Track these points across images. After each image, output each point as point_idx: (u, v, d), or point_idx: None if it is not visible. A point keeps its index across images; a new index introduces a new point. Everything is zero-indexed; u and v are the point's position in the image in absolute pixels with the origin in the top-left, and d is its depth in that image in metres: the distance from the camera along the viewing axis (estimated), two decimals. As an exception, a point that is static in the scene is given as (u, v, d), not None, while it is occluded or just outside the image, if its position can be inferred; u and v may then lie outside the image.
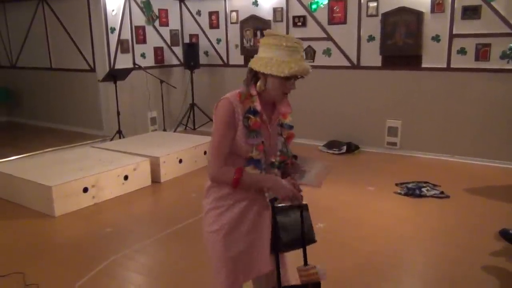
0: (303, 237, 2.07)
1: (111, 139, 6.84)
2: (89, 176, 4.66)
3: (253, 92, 1.94)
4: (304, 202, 2.08)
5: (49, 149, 6.49)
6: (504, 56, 5.47)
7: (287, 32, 7.00)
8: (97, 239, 3.91)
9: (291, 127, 2.09)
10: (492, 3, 5.41)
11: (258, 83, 1.92)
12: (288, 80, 1.87)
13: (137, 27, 7.45)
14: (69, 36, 7.72)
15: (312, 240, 2.12)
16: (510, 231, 3.37)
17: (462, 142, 5.92)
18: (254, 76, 1.95)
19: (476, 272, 3.20)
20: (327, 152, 6.53)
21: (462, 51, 5.72)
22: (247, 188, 1.94)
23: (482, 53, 5.59)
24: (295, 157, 2.12)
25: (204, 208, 2.15)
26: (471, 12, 5.58)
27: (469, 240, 3.70)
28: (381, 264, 3.37)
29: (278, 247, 1.99)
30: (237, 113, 1.91)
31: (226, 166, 1.95)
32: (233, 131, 1.91)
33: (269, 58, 1.87)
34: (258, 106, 1.92)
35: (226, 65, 7.92)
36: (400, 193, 4.79)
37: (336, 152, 6.44)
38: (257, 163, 1.94)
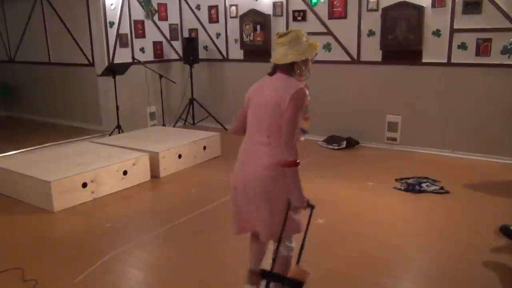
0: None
1: (110, 134, 6.82)
2: (88, 171, 4.65)
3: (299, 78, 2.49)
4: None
5: (48, 144, 6.48)
6: (505, 51, 5.44)
7: (287, 27, 6.97)
8: (96, 234, 3.90)
9: None
10: (493, -3, 5.39)
11: (303, 70, 2.50)
12: (310, 60, 2.50)
13: (136, 21, 7.41)
14: (68, 30, 7.68)
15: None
16: (511, 227, 3.36)
17: (462, 138, 5.91)
18: (283, 69, 2.47)
19: (476, 268, 3.20)
20: (327, 147, 6.51)
21: (463, 46, 5.69)
22: (293, 175, 2.45)
23: (482, 48, 5.57)
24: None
25: (277, 176, 2.46)
26: (472, 7, 5.54)
27: (469, 236, 3.69)
28: (381, 260, 3.37)
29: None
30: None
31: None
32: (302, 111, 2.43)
33: (300, 49, 2.45)
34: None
35: (226, 59, 7.89)
36: (400, 189, 4.78)
37: (336, 147, 6.43)
38: (305, 131, 2.65)
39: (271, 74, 2.52)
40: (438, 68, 5.90)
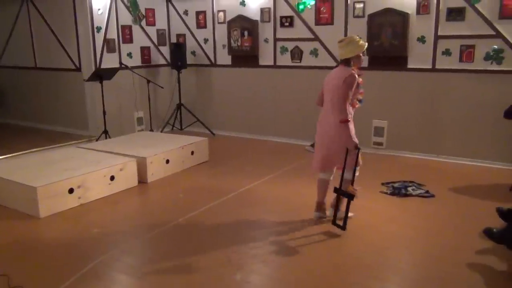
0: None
1: (97, 139, 6.79)
2: (75, 177, 4.62)
3: (354, 68, 3.84)
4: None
5: (34, 150, 6.42)
6: (488, 57, 5.56)
7: (275, 32, 7.04)
8: (83, 240, 3.87)
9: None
10: (476, 5, 5.50)
11: (356, 62, 3.85)
12: (362, 55, 3.83)
13: (123, 27, 7.41)
14: (54, 35, 7.64)
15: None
16: (494, 230, 3.42)
17: (447, 142, 6.00)
18: (343, 62, 3.87)
19: (461, 270, 3.25)
20: (313, 152, 6.53)
21: (447, 52, 5.80)
22: (345, 127, 3.83)
23: (466, 54, 5.68)
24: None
25: (338, 128, 3.89)
26: (455, 14, 5.65)
27: (454, 238, 3.75)
28: (367, 263, 3.40)
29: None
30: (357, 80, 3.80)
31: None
32: (352, 89, 3.79)
33: (349, 49, 3.79)
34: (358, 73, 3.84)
35: (214, 65, 7.91)
36: (386, 193, 4.84)
37: (323, 152, 6.47)
38: (362, 100, 4.02)
39: (336, 66, 3.99)
40: (423, 73, 6.00)
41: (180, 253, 3.60)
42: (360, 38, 3.84)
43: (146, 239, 3.90)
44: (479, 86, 5.67)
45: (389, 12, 6.01)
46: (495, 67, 5.54)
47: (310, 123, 6.94)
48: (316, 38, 6.72)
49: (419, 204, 4.55)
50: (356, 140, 3.83)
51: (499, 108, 4.99)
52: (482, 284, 3.07)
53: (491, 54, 5.52)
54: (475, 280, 3.11)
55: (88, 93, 7.22)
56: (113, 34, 7.26)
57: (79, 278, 3.21)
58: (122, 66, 7.19)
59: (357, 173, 3.99)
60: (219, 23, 7.64)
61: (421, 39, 5.93)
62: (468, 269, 3.26)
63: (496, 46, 5.48)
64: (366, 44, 3.84)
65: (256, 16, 7.18)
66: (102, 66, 7.07)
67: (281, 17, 6.95)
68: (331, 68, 6.72)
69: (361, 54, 3.81)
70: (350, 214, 3.97)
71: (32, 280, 3.20)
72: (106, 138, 6.65)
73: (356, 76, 3.75)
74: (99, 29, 7.04)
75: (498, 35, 5.44)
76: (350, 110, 3.87)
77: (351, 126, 3.85)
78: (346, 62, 3.82)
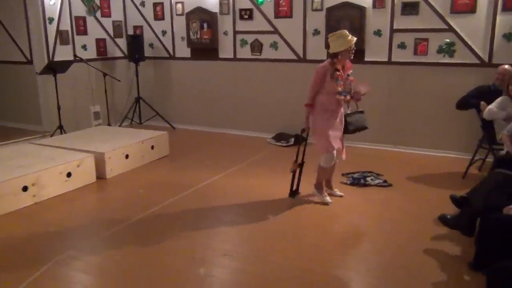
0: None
1: (52, 135, 6.54)
2: (29, 174, 4.43)
3: (335, 61, 4.05)
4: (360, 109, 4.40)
5: (-17, 147, 6.11)
6: (440, 50, 5.75)
7: (234, 25, 7.00)
8: (39, 239, 3.73)
9: (349, 75, 4.17)
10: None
11: (344, 55, 4.04)
12: (350, 49, 4.01)
13: (77, 18, 7.14)
14: (3, 26, 7.27)
15: (366, 127, 4.49)
16: (448, 216, 3.56)
17: (403, 133, 6.19)
18: (330, 56, 4.08)
19: (419, 256, 3.37)
20: (275, 144, 6.60)
21: (402, 46, 5.96)
22: (306, 111, 4.31)
23: (420, 47, 5.85)
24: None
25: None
26: (410, 8, 5.81)
27: (412, 226, 3.89)
28: (328, 252, 3.47)
29: (346, 131, 4.38)
30: (328, 72, 4.06)
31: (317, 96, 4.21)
32: (320, 80, 4.10)
33: (338, 43, 4.00)
34: (339, 67, 4.07)
35: (173, 57, 7.78)
36: (346, 183, 4.94)
37: (284, 144, 6.52)
38: (342, 92, 4.09)
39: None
40: (379, 66, 6.14)
41: (142, 249, 3.54)
42: (349, 34, 4.03)
43: (105, 236, 3.80)
44: (432, 78, 5.87)
45: (346, 5, 6.10)
46: (447, 59, 5.75)
47: (270, 115, 6.98)
48: (275, 31, 6.74)
49: (377, 194, 4.67)
50: (310, 125, 4.29)
51: (452, 99, 5.19)
52: (438, 269, 3.19)
53: (444, 47, 5.72)
54: (432, 265, 3.24)
55: (41, 86, 6.93)
56: (66, 26, 6.98)
57: (35, 279, 3.10)
58: (77, 58, 6.95)
59: (321, 162, 4.34)
60: (177, 15, 7.51)
61: (378, 33, 6.06)
62: (425, 254, 3.38)
63: (448, 40, 5.68)
64: (355, 39, 4.01)
65: (215, 8, 7.11)
66: (56, 59, 6.80)
67: (241, 10, 6.91)
68: (291, 61, 6.82)
69: (349, 48, 4.01)
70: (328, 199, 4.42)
71: (-16, 283, 3.06)
72: (61, 133, 6.42)
73: (330, 68, 4.04)
74: (51, 20, 6.75)
75: (450, 29, 5.64)
76: (324, 101, 4.15)
77: (320, 115, 4.18)
78: (333, 55, 4.05)
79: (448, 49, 5.70)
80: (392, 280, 3.09)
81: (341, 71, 4.08)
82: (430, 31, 5.76)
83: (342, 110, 4.26)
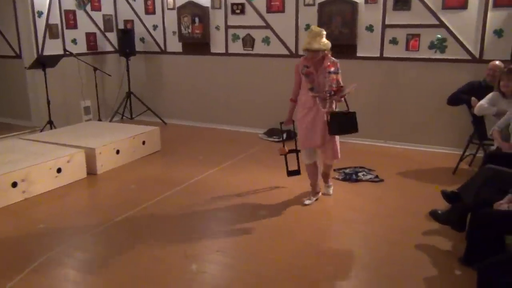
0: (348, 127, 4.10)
1: (41, 130, 6.47)
2: (18, 170, 4.38)
3: (305, 57, 4.04)
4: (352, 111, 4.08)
5: (-29, 142, 6.02)
6: (432, 46, 5.77)
7: (226, 20, 6.96)
8: (29, 236, 3.69)
9: (331, 72, 3.99)
10: (421, -5, 5.68)
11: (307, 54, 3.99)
12: (307, 51, 3.96)
13: (67, 11, 7.05)
14: (-9, 19, 7.17)
15: (351, 131, 4.08)
16: (439, 211, 3.58)
17: (395, 129, 6.21)
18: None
19: (410, 251, 3.38)
20: (267, 140, 6.59)
21: (394, 41, 5.96)
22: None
23: (412, 43, 5.86)
24: (341, 87, 4.04)
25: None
26: (401, 3, 5.81)
27: (403, 221, 3.90)
28: (321, 247, 3.47)
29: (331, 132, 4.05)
30: (300, 68, 4.06)
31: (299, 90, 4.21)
32: (298, 76, 4.12)
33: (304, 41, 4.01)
34: (308, 63, 4.01)
35: (164, 52, 7.72)
36: (338, 178, 4.95)
37: (276, 139, 6.51)
38: (313, 89, 4.01)
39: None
40: (371, 61, 6.14)
41: (134, 246, 3.51)
42: (316, 36, 3.93)
43: (96, 233, 3.77)
44: (424, 74, 5.89)
45: (338, 0, 6.08)
46: (439, 55, 5.77)
47: (262, 111, 6.96)
48: (267, 26, 6.71)
49: (369, 189, 4.68)
50: (289, 118, 4.34)
51: (443, 95, 5.20)
52: (429, 264, 3.21)
53: (435, 43, 5.74)
54: (423, 260, 3.25)
55: (30, 81, 6.84)
56: (55, 19, 6.90)
57: (25, 276, 3.07)
58: (67, 53, 6.87)
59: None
60: (168, 9, 7.45)
61: (369, 28, 6.05)
62: (416, 250, 3.40)
63: (439, 35, 5.70)
64: (315, 47, 3.88)
65: (207, 3, 7.05)
66: (45, 53, 6.72)
67: (232, 4, 6.87)
68: (283, 56, 6.80)
69: (306, 51, 3.98)
70: (307, 202, 4.29)
71: (-27, 280, 3.02)
72: (51, 128, 6.36)
73: (300, 65, 4.05)
74: (40, 13, 6.66)
75: (442, 24, 5.65)
76: (301, 97, 4.16)
77: (299, 111, 4.16)
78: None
79: (439, 45, 5.72)
80: (384, 275, 3.10)
81: (312, 67, 3.98)
82: (422, 27, 5.76)
83: (324, 108, 4.00)
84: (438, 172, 5.17)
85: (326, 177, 4.48)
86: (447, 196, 3.61)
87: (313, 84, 4.00)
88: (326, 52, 3.99)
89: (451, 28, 5.62)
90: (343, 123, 4.01)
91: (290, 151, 4.42)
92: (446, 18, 5.62)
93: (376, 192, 4.61)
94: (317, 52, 3.91)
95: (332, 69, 3.99)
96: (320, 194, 4.41)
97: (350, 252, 3.47)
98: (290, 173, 4.51)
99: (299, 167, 4.48)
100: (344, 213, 4.12)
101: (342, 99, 4.06)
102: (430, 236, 3.62)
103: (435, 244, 3.49)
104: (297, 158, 4.47)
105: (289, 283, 3.02)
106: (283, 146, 4.44)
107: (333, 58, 4.06)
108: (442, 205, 3.73)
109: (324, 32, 3.98)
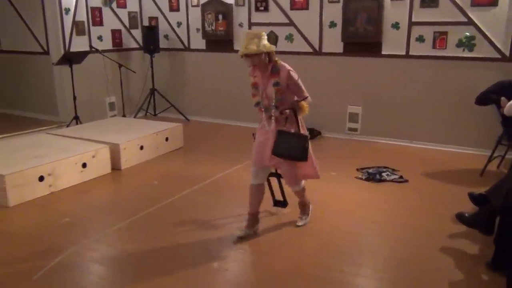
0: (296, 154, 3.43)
1: (68, 125, 6.59)
2: (45, 164, 4.47)
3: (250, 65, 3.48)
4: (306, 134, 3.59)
5: (1, 136, 6.17)
6: (460, 44, 5.64)
7: (249, 17, 6.95)
8: (54, 229, 3.76)
9: (276, 83, 3.39)
10: (450, -8, 5.55)
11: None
12: (244, 58, 3.38)
13: (93, 9, 7.16)
14: (20, 16, 7.32)
15: (304, 157, 3.43)
16: (466, 214, 3.50)
17: (420, 128, 6.10)
18: None
19: (434, 254, 3.32)
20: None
21: (421, 39, 5.85)
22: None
23: (439, 41, 5.74)
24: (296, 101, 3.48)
25: None
26: (429, 0, 5.69)
27: (427, 223, 3.83)
28: (341, 247, 3.44)
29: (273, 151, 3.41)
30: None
31: None
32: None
33: None
34: (251, 73, 3.55)
35: (187, 49, 7.76)
36: (361, 178, 4.89)
37: (299, 138, 6.47)
38: (258, 104, 3.51)
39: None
40: (397, 60, 6.04)
41: (156, 241, 3.54)
42: (251, 33, 3.45)
43: (120, 227, 3.82)
44: (451, 72, 5.76)
45: (364, -3, 6.00)
46: (467, 54, 5.63)
47: (285, 108, 6.93)
48: (291, 23, 6.67)
49: (393, 189, 4.61)
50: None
51: (471, 94, 5.08)
52: (455, 268, 3.14)
53: (463, 41, 5.60)
54: (448, 264, 3.19)
55: (57, 77, 6.97)
56: (82, 16, 7.01)
57: (51, 268, 3.13)
58: (93, 49, 6.97)
59: None
60: (192, 6, 7.48)
61: (395, 26, 5.95)
62: (442, 252, 3.33)
63: (468, 33, 5.56)
64: (244, 48, 3.32)
65: (231, 0, 7.05)
66: (72, 50, 6.83)
67: (256, 1, 6.85)
68: (307, 54, 6.75)
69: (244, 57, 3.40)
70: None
71: (2, 271, 3.09)
72: (77, 124, 6.47)
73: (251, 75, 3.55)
74: (67, 10, 6.78)
75: (470, 22, 5.51)
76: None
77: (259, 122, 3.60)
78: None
79: (468, 43, 5.58)
80: (408, 277, 3.05)
81: (259, 77, 3.46)
82: (449, 24, 5.64)
83: (273, 125, 3.44)
84: (465, 174, 5.06)
85: (299, 205, 3.88)
86: (474, 198, 3.52)
87: (259, 98, 3.46)
88: (272, 55, 3.39)
89: (480, 25, 5.48)
90: (289, 146, 3.36)
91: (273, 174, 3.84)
92: (475, 15, 5.48)
93: (400, 192, 4.53)
94: (256, 56, 3.30)
95: (276, 79, 3.38)
96: (257, 227, 3.68)
97: (372, 253, 3.42)
98: (276, 203, 4.03)
99: (284, 197, 3.97)
100: (366, 213, 4.07)
101: (288, 114, 3.41)
102: (456, 239, 3.54)
103: (461, 248, 3.41)
104: (280, 187, 3.91)
105: (310, 282, 2.99)
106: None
107: (285, 64, 3.44)
108: (468, 207, 3.64)
109: (265, 35, 3.39)
